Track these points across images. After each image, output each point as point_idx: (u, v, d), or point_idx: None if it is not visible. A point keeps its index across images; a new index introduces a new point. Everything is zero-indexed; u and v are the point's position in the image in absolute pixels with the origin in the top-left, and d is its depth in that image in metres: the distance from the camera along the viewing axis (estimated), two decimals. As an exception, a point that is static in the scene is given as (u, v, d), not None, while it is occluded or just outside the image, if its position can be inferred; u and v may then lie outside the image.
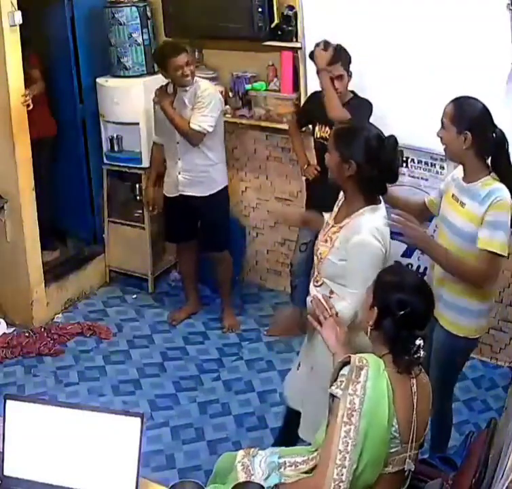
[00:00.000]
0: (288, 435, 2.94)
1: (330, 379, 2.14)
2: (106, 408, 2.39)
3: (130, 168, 4.62)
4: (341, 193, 2.69)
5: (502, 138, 2.65)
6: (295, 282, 4.07)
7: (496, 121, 2.65)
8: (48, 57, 4.53)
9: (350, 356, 2.08)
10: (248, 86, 4.35)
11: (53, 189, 4.72)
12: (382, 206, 2.62)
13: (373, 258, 2.50)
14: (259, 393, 3.84)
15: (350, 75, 3.57)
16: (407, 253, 3.70)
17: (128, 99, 4.40)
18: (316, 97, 3.65)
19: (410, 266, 3.69)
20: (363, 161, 2.51)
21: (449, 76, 3.43)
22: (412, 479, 2.19)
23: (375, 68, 3.70)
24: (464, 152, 2.64)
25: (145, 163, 4.47)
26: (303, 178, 4.08)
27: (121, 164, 4.64)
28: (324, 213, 2.82)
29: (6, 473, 2.04)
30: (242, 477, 2.28)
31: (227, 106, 4.37)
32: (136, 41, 4.34)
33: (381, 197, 2.65)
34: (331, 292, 2.61)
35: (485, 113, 2.63)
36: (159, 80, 4.13)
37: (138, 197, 4.72)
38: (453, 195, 2.75)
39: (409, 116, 3.58)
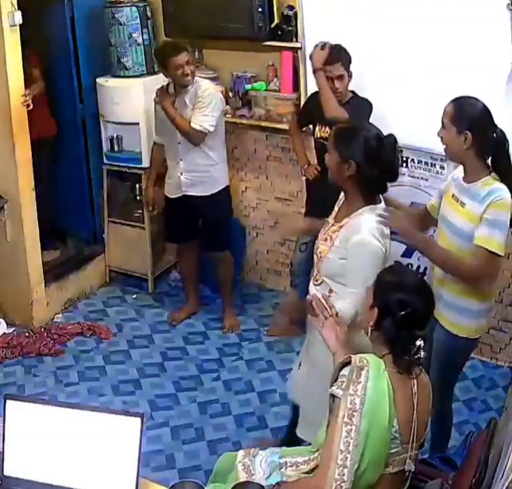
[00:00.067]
0: (295, 434, 2.94)
1: (330, 380, 2.14)
2: (106, 408, 2.39)
3: (130, 168, 4.61)
4: (342, 193, 2.70)
5: (503, 138, 2.65)
6: (295, 282, 4.07)
7: (496, 121, 2.65)
8: (48, 57, 4.53)
9: (350, 357, 2.08)
10: (248, 86, 4.35)
11: (53, 189, 4.72)
12: (382, 205, 2.62)
13: (373, 257, 2.51)
14: (259, 393, 3.84)
15: (350, 75, 3.58)
16: (407, 253, 3.70)
17: (128, 99, 4.40)
18: (316, 97, 3.65)
19: (410, 266, 3.68)
20: (363, 161, 2.52)
21: (449, 76, 3.43)
22: (412, 479, 2.20)
23: (375, 68, 3.70)
24: (464, 152, 2.64)
25: (145, 163, 4.47)
26: (303, 178, 4.08)
27: (121, 164, 4.64)
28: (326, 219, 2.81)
29: (6, 473, 2.04)
30: (242, 477, 2.28)
31: (227, 107, 4.37)
32: (136, 41, 4.34)
33: (381, 198, 2.65)
34: (331, 291, 2.62)
35: (486, 113, 2.62)
36: (159, 80, 4.14)
37: (138, 197, 4.72)
38: (453, 195, 2.75)
39: (409, 116, 3.58)
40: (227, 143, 4.18)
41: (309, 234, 3.22)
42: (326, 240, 2.66)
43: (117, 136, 4.58)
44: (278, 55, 4.19)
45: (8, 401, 2.04)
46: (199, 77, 4.02)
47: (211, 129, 3.89)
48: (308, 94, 3.97)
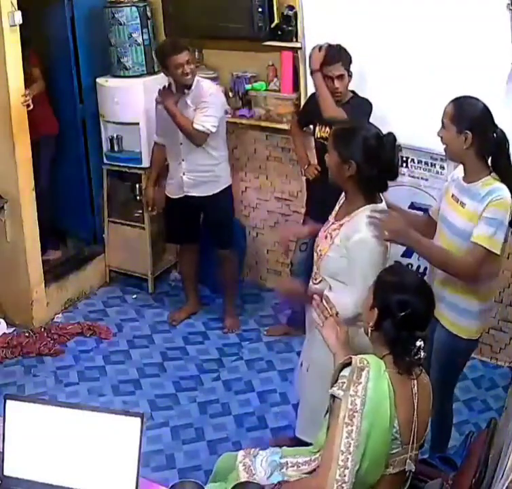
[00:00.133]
0: None
1: (330, 380, 2.14)
2: (106, 408, 2.39)
3: (130, 168, 4.61)
4: (343, 193, 2.70)
5: (503, 138, 2.64)
6: (295, 281, 4.07)
7: (496, 121, 2.65)
8: (48, 57, 4.53)
9: (351, 357, 2.08)
10: (248, 86, 4.35)
11: (53, 189, 4.72)
12: (383, 205, 2.62)
13: (373, 256, 2.51)
14: (259, 393, 3.84)
15: (350, 75, 3.59)
16: (407, 253, 3.70)
17: (128, 99, 4.39)
18: (316, 98, 3.65)
19: (410, 266, 3.68)
20: (362, 160, 2.52)
21: (449, 76, 3.43)
22: (412, 479, 2.20)
23: (375, 68, 3.71)
24: (464, 152, 2.64)
25: (145, 163, 4.47)
26: (304, 178, 4.08)
27: (121, 164, 4.64)
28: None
29: (6, 473, 2.04)
30: (243, 477, 2.28)
31: (228, 107, 4.36)
32: (136, 41, 4.34)
33: (382, 197, 2.65)
34: (330, 289, 2.62)
35: (486, 113, 2.62)
36: (159, 80, 4.14)
37: (138, 197, 4.72)
38: (453, 196, 2.75)
39: (409, 116, 3.58)
40: (227, 143, 4.18)
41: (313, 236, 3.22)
42: (326, 238, 2.66)
43: (117, 136, 4.58)
44: (278, 55, 4.19)
45: (8, 401, 2.03)
46: (200, 77, 4.02)
47: (213, 130, 3.88)
48: (308, 94, 3.98)
